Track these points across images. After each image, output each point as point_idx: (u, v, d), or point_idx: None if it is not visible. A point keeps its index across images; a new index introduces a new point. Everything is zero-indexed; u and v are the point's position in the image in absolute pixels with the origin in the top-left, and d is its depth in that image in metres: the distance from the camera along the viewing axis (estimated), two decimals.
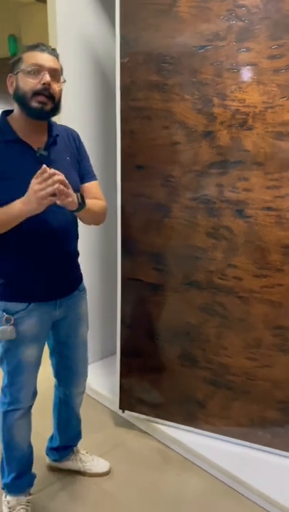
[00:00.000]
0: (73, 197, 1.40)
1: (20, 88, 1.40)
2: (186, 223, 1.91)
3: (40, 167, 1.33)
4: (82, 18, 2.30)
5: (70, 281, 1.65)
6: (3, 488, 1.74)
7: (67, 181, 1.36)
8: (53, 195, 1.34)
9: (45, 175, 1.31)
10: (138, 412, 2.22)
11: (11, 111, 1.50)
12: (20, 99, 1.41)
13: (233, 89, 1.72)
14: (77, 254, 1.66)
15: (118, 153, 1.97)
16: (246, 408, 1.98)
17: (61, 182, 1.33)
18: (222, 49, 1.71)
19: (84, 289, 1.73)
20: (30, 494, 1.74)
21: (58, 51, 1.48)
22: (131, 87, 1.89)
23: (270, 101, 1.67)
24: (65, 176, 1.37)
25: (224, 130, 1.77)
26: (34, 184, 1.32)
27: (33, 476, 1.76)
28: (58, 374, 1.82)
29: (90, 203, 1.51)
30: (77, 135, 1.65)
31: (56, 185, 1.32)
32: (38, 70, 1.39)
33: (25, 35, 4.26)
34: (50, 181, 1.31)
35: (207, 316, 1.97)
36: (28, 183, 1.35)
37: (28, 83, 1.39)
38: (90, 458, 1.97)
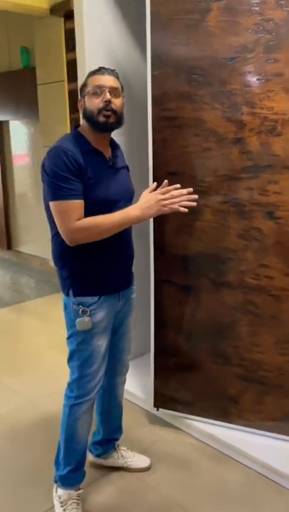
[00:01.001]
0: None
1: (87, 108, 1.62)
2: (218, 226, 2.00)
3: (112, 172, 1.65)
4: (109, 32, 2.39)
5: (131, 275, 1.84)
6: (56, 481, 1.82)
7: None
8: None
9: (171, 188, 1.61)
10: (172, 410, 2.30)
11: (79, 126, 1.70)
12: (89, 117, 1.62)
13: (262, 97, 1.82)
14: (133, 254, 1.83)
15: (150, 161, 2.06)
16: (279, 402, 2.06)
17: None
18: (250, 60, 1.81)
19: (135, 284, 1.89)
20: (80, 489, 1.81)
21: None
22: (162, 98, 1.98)
23: None
24: (127, 182, 1.73)
25: (254, 136, 1.86)
26: (157, 194, 1.60)
27: (85, 471, 1.84)
28: None
29: None
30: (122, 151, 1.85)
31: (182, 202, 1.60)
32: (100, 90, 1.58)
33: (37, 48, 4.36)
34: (177, 199, 1.59)
35: (239, 314, 2.05)
36: (107, 184, 1.62)
37: (93, 103, 1.60)
38: (131, 454, 2.05)
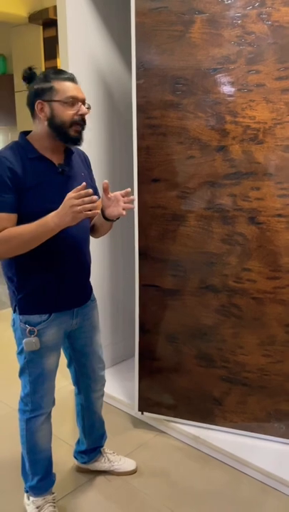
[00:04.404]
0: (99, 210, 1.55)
1: (57, 117, 1.52)
2: (202, 231, 2.05)
3: (60, 179, 1.53)
4: (92, 41, 2.43)
5: (86, 290, 1.76)
6: (27, 491, 1.81)
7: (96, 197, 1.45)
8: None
9: (82, 192, 1.40)
10: (157, 413, 2.32)
11: (29, 132, 1.61)
12: (58, 127, 1.53)
13: (244, 107, 1.88)
14: (90, 264, 1.76)
15: (135, 168, 2.10)
16: (262, 402, 2.12)
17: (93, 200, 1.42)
18: (233, 71, 1.87)
19: (94, 299, 1.83)
20: (52, 493, 1.81)
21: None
22: (146, 106, 2.03)
23: (278, 118, 1.84)
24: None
25: (236, 144, 1.92)
26: (70, 199, 1.41)
27: (55, 475, 1.84)
28: (77, 382, 1.91)
29: None
30: (87, 156, 1.80)
31: (95, 203, 1.43)
32: (74, 101, 1.53)
33: (15, 55, 4.37)
34: (87, 199, 1.40)
35: (223, 317, 2.10)
36: (53, 193, 1.51)
37: (67, 114, 1.52)
38: (117, 458, 2.06)
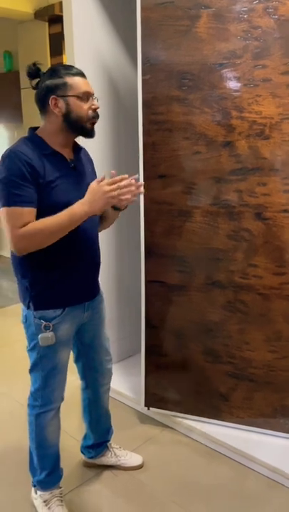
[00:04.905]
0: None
1: (73, 112, 1.55)
2: (208, 227, 2.05)
3: (74, 174, 1.60)
4: (98, 37, 2.43)
5: (97, 284, 1.79)
6: (35, 486, 1.83)
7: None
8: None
9: (117, 178, 1.49)
10: (163, 409, 2.33)
11: (37, 128, 1.63)
12: (74, 122, 1.57)
13: (250, 102, 1.88)
14: (100, 258, 1.78)
15: (140, 164, 2.10)
16: (268, 398, 2.12)
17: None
18: (239, 66, 1.87)
19: (102, 293, 1.84)
20: (60, 487, 1.83)
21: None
22: (152, 102, 2.03)
23: (285, 113, 1.83)
24: (89, 183, 1.57)
25: (242, 140, 1.92)
26: (101, 186, 1.48)
27: (62, 470, 1.85)
28: (85, 376, 1.92)
29: None
30: (88, 153, 1.81)
31: (133, 191, 1.52)
32: (88, 96, 1.58)
33: (21, 52, 4.37)
34: (125, 190, 1.50)
35: (229, 313, 2.10)
36: (68, 187, 1.55)
37: (83, 109, 1.56)
38: (123, 452, 2.07)
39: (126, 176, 1.51)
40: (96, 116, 1.60)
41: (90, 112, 1.58)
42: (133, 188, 1.52)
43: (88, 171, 1.71)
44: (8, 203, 1.47)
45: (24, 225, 1.47)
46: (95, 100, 1.59)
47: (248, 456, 2.05)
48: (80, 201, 1.50)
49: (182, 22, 1.92)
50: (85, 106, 1.57)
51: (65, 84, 1.54)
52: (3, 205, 1.48)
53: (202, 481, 1.98)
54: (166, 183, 2.08)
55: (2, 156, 1.50)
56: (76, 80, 1.55)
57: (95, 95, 1.61)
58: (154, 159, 2.07)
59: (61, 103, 1.55)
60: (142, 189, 1.58)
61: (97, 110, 1.60)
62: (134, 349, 2.84)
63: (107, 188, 1.48)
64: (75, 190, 1.56)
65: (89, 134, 1.61)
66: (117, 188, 1.48)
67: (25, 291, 1.63)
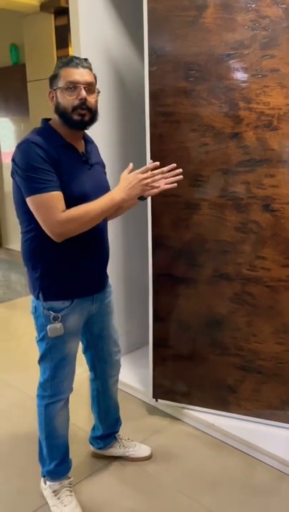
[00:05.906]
0: None
1: (60, 104, 1.54)
2: (215, 219, 2.05)
3: (86, 167, 1.61)
4: (104, 29, 2.42)
5: (105, 276, 1.80)
6: (44, 476, 1.84)
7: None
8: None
9: (151, 166, 1.55)
10: (171, 400, 2.34)
11: (50, 119, 1.63)
12: (62, 113, 1.55)
13: (258, 93, 1.86)
14: (109, 250, 1.79)
15: (148, 156, 2.09)
16: (276, 390, 2.12)
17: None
18: (247, 56, 1.85)
19: (110, 285, 1.86)
20: (69, 477, 1.85)
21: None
22: (159, 94, 2.01)
23: None
24: (102, 178, 1.68)
25: (250, 131, 1.90)
26: (135, 175, 1.54)
27: (71, 460, 1.86)
28: (94, 367, 1.93)
29: None
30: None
31: (169, 180, 1.62)
32: (74, 86, 1.52)
33: (27, 45, 4.36)
34: (158, 176, 1.56)
35: (237, 305, 2.10)
36: (83, 179, 1.58)
37: (67, 100, 1.52)
38: (132, 444, 2.08)
39: (158, 163, 1.56)
40: (82, 107, 1.52)
41: (76, 101, 1.51)
42: (167, 175, 1.61)
43: (97, 165, 1.71)
44: (40, 189, 1.47)
45: (63, 209, 1.49)
46: (83, 91, 1.51)
47: (256, 448, 2.06)
48: (117, 188, 1.55)
49: (189, 12, 1.90)
50: (70, 97, 1.52)
51: (56, 77, 1.55)
52: (32, 193, 1.48)
53: (210, 472, 1.99)
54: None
55: (18, 147, 1.51)
56: (67, 71, 1.52)
57: (100, 89, 1.58)
58: (161, 151, 2.06)
59: (53, 96, 1.57)
60: (180, 176, 1.64)
61: (90, 101, 1.54)
62: (142, 341, 2.85)
63: (142, 175, 1.53)
64: (87, 183, 1.59)
65: (76, 125, 1.56)
66: (151, 176, 1.53)
67: (35, 282, 1.64)
